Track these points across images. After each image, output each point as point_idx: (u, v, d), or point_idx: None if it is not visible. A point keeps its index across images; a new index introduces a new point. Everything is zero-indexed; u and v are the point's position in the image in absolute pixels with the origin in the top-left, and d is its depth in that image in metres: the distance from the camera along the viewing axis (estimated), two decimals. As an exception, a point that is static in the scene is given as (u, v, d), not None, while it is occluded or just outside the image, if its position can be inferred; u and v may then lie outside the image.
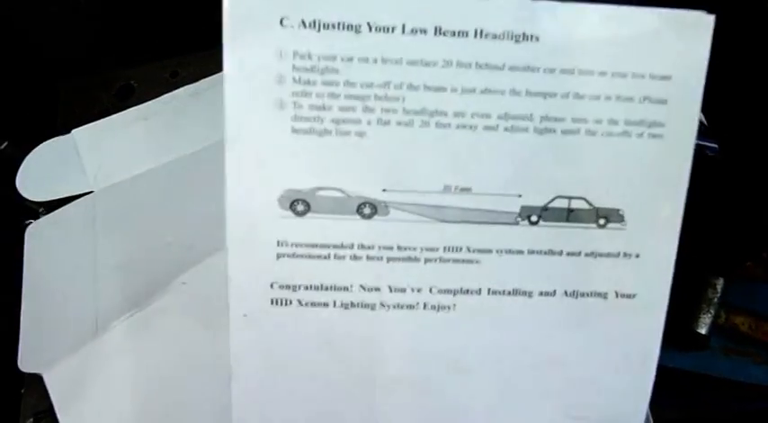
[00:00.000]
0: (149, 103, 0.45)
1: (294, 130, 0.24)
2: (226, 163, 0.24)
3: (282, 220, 0.25)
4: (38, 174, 0.43)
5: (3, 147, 0.44)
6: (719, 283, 0.40)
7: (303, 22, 0.23)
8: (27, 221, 0.42)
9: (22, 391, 0.38)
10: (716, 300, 0.40)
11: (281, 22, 0.23)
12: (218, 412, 0.34)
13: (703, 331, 0.40)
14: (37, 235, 0.42)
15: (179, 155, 0.43)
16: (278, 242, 0.25)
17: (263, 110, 0.24)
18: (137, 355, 0.36)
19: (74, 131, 0.44)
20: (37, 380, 0.37)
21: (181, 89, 0.46)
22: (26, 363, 0.38)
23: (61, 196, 0.42)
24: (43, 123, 0.46)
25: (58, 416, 0.35)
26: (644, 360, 0.27)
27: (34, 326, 0.39)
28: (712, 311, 0.40)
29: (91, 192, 0.43)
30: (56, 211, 0.42)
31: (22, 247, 0.41)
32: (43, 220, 0.42)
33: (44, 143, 0.44)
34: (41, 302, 0.40)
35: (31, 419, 0.37)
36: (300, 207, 0.25)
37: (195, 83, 0.46)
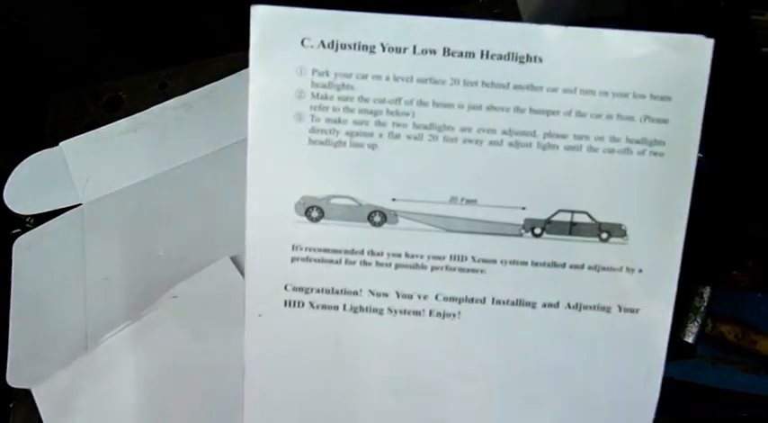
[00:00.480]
0: (138, 114, 0.45)
1: (311, 141, 0.26)
2: (247, 170, 0.26)
3: (298, 226, 0.26)
4: (26, 186, 0.43)
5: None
6: (706, 292, 0.40)
7: (322, 43, 0.25)
8: (14, 231, 0.42)
9: (11, 405, 0.38)
10: (703, 309, 0.40)
11: (302, 42, 0.25)
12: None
13: (690, 340, 0.40)
14: (25, 248, 0.41)
15: (169, 167, 0.43)
16: (293, 246, 0.26)
17: (283, 122, 0.26)
18: (128, 368, 0.36)
19: (62, 143, 0.44)
20: (26, 395, 0.36)
21: (170, 101, 0.45)
22: (15, 378, 0.38)
23: (49, 209, 0.42)
24: (31, 134, 0.46)
25: None
26: (648, 375, 0.27)
27: (23, 340, 0.39)
28: (699, 320, 0.40)
29: (80, 204, 0.42)
30: (44, 224, 0.42)
31: (10, 256, 0.41)
32: (31, 233, 0.42)
33: (32, 155, 0.44)
34: (30, 316, 0.39)
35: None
36: (315, 213, 0.26)
37: (184, 94, 0.46)
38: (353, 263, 0.27)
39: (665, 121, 0.26)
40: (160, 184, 0.43)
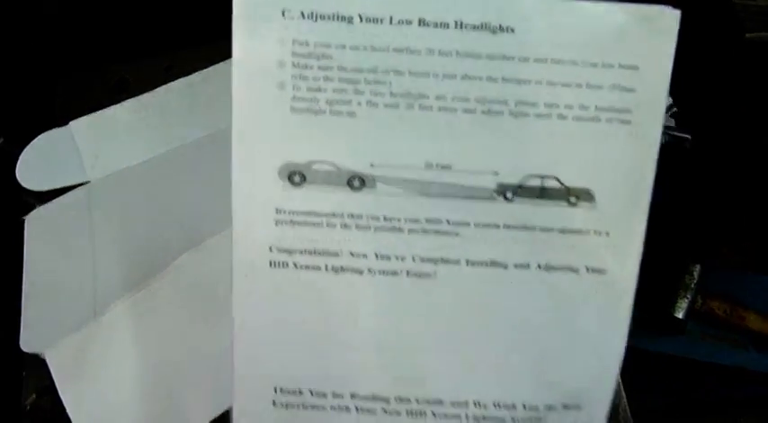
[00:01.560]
0: (144, 95, 0.47)
1: (293, 109, 0.27)
2: (232, 137, 0.27)
3: (281, 190, 0.28)
4: (37, 164, 0.45)
5: (-1, 143, 0.45)
6: (696, 270, 0.41)
7: (302, 14, 0.26)
8: (25, 217, 0.43)
9: (24, 374, 0.40)
10: (693, 285, 0.41)
11: (282, 13, 0.26)
12: (214, 388, 0.37)
13: (680, 316, 0.41)
14: (37, 221, 0.43)
15: (174, 145, 0.45)
16: (276, 210, 0.28)
17: (265, 90, 0.27)
18: (134, 334, 0.38)
19: (71, 123, 0.46)
20: (38, 365, 0.38)
21: (174, 82, 0.47)
22: (28, 343, 0.40)
23: (59, 186, 0.44)
24: (40, 119, 0.47)
25: (60, 393, 0.37)
26: (614, 332, 0.29)
27: (35, 308, 0.41)
28: (689, 297, 0.41)
29: (88, 181, 0.44)
30: (55, 200, 0.44)
31: (21, 237, 0.42)
32: (43, 207, 0.43)
33: (42, 134, 0.45)
34: (42, 285, 0.41)
35: (34, 396, 0.39)
36: (297, 178, 0.28)
37: (189, 76, 0.47)
38: (334, 225, 0.28)
39: (632, 90, 0.27)
40: (167, 162, 0.45)
